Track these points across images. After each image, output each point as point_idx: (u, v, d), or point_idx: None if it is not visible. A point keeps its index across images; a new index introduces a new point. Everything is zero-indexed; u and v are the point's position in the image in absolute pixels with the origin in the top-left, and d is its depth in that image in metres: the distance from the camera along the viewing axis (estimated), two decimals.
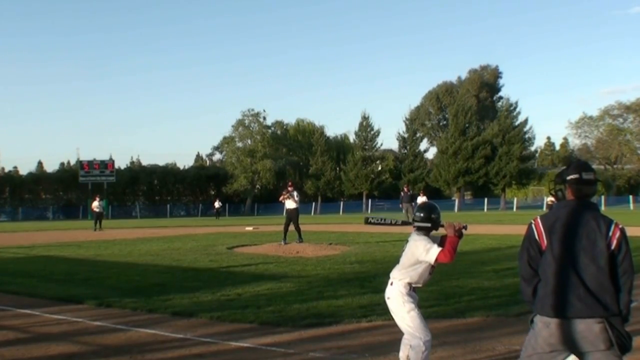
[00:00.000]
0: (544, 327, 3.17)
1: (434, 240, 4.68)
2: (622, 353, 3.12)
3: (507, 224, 28.03)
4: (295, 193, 17.33)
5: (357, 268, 11.93)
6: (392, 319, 6.99)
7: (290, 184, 18.34)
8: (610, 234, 3.14)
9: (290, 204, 17.24)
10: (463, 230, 4.59)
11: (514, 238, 18.94)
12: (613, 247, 3.13)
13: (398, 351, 4.82)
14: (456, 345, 5.89)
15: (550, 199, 47.65)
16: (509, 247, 16.25)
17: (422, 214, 4.77)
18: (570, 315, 3.11)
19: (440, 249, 4.55)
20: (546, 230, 3.24)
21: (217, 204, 53.41)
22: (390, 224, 5.17)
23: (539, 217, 3.33)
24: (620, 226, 3.19)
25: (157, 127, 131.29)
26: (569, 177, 3.29)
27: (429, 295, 8.53)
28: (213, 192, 70.54)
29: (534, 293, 3.29)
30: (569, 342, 3.13)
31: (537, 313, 3.24)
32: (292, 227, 17.06)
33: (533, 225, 3.32)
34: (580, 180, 3.26)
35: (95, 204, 30.19)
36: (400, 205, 32.43)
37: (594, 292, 3.10)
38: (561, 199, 3.35)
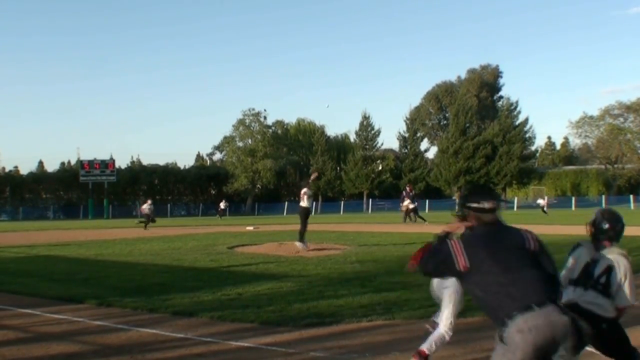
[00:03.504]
0: (530, 325, 3.09)
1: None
2: (582, 347, 3.40)
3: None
4: (305, 190, 15.60)
5: (357, 268, 11.93)
6: (393, 319, 7.01)
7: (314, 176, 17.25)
8: (526, 237, 3.39)
9: (302, 202, 15.69)
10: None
11: None
12: (533, 247, 3.36)
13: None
14: (456, 345, 5.88)
15: (541, 200, 46.91)
16: None
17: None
18: (542, 302, 3.13)
19: None
20: (469, 257, 3.28)
21: (222, 205, 52.61)
22: None
23: (457, 239, 3.38)
24: (529, 230, 3.45)
25: (158, 126, 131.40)
26: (470, 204, 3.43)
27: (429, 295, 8.52)
28: (214, 192, 70.49)
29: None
30: (553, 334, 3.09)
31: (513, 313, 3.13)
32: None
33: (451, 245, 3.34)
34: (479, 209, 3.41)
35: (145, 207, 30.63)
36: (400, 204, 32.39)
37: (542, 283, 3.23)
38: (464, 218, 3.49)
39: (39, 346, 6.18)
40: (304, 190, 15.52)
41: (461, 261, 3.27)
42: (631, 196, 57.94)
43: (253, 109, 67.62)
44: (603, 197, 61.49)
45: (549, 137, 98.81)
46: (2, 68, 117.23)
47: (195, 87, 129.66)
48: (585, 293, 4.09)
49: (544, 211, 43.12)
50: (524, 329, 3.06)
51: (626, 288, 4.06)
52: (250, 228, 28.60)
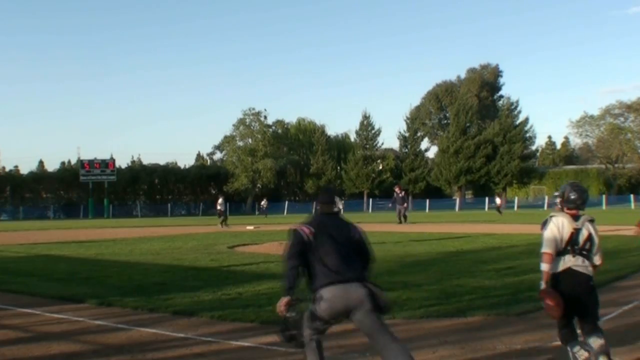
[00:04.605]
0: (329, 295, 4.20)
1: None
2: (382, 313, 4.35)
3: (508, 223, 28.00)
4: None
5: None
6: (393, 318, 7.00)
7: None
8: (355, 230, 4.55)
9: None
10: None
11: (515, 237, 18.94)
12: (359, 237, 4.53)
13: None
14: (457, 344, 5.89)
15: (498, 200, 47.36)
16: (510, 246, 16.25)
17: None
18: (347, 280, 4.23)
19: None
20: (314, 231, 4.40)
21: (263, 203, 52.26)
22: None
23: (303, 225, 4.47)
24: (359, 227, 4.62)
25: (158, 126, 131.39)
26: (320, 202, 4.67)
27: (430, 295, 8.53)
28: (215, 192, 70.32)
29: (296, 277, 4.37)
30: (347, 302, 4.20)
31: (322, 286, 4.23)
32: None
33: (301, 231, 4.42)
34: (323, 204, 4.65)
35: (220, 202, 31.15)
36: (389, 205, 31.71)
37: (356, 265, 4.37)
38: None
39: (39, 346, 6.18)
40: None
41: (306, 232, 4.38)
42: (631, 195, 57.93)
43: (253, 109, 67.70)
44: (603, 196, 61.43)
45: (550, 137, 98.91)
46: (2, 67, 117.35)
47: (195, 86, 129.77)
48: (574, 259, 4.76)
49: (499, 211, 42.80)
50: (328, 297, 4.19)
51: (599, 249, 4.85)
52: (251, 227, 28.62)
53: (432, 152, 76.29)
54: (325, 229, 4.43)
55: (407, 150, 69.47)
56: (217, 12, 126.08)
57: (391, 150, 74.01)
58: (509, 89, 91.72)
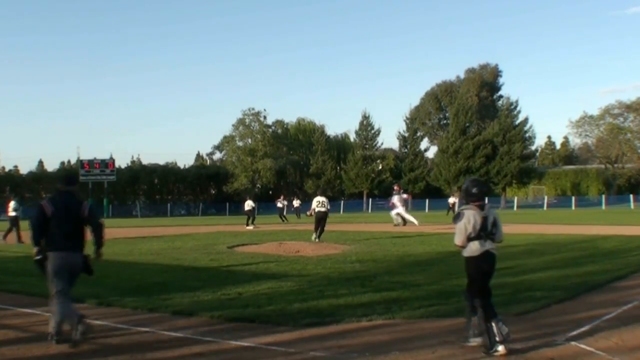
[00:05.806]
0: (56, 258, 6.06)
1: None
2: (89, 274, 6.37)
3: (507, 223, 27.92)
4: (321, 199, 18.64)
5: (357, 267, 11.93)
6: (393, 318, 7.02)
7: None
8: (83, 206, 6.25)
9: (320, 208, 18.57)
10: None
11: (514, 237, 18.91)
12: (84, 214, 6.22)
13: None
14: (457, 344, 5.89)
15: (451, 199, 44.98)
16: (509, 246, 16.21)
17: None
18: (68, 249, 6.11)
19: None
20: (52, 208, 6.08)
21: (296, 203, 45.77)
22: None
23: (47, 202, 6.19)
24: (86, 203, 6.42)
25: (158, 126, 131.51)
26: (61, 182, 6.55)
27: (430, 294, 8.53)
28: (214, 192, 70.16)
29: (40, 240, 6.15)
30: (68, 265, 6.13)
31: (51, 250, 6.07)
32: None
33: (44, 207, 6.11)
34: (59, 183, 6.52)
35: (248, 202, 30.51)
36: (390, 205, 30.50)
37: (77, 237, 6.19)
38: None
39: (38, 346, 6.18)
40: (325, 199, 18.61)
41: (48, 210, 6.09)
42: (631, 195, 57.96)
43: (253, 109, 67.73)
44: (603, 196, 61.45)
45: (549, 137, 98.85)
46: (2, 67, 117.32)
47: (195, 87, 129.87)
48: (486, 243, 5.66)
49: (454, 211, 35.92)
50: (55, 261, 6.06)
51: (502, 230, 5.82)
52: (251, 227, 28.60)
53: (431, 152, 76.37)
54: (61, 205, 6.10)
55: (406, 150, 69.50)
56: (217, 12, 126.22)
57: (391, 150, 74.03)
58: (509, 89, 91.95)
